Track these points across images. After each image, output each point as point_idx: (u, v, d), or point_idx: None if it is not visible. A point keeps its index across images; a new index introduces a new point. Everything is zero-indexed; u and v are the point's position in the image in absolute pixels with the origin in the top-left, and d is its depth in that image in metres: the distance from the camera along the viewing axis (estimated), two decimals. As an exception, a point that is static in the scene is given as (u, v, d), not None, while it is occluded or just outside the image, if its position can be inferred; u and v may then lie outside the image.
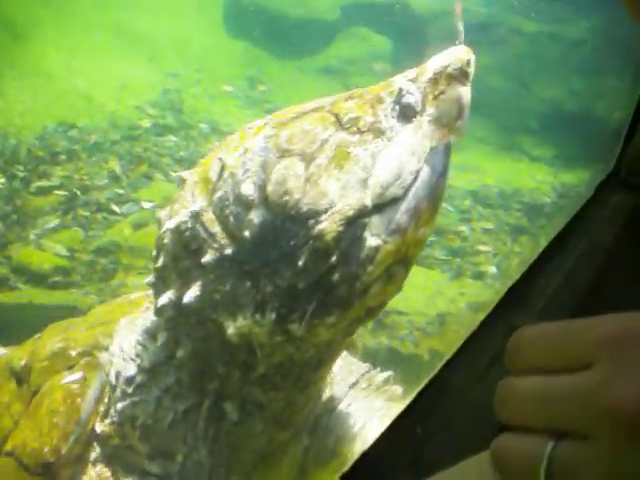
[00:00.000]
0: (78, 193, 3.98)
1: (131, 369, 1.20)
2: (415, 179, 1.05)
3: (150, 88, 5.99)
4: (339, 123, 1.09)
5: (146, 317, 1.25)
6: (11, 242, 3.58)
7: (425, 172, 1.05)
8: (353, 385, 1.45)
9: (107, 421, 1.19)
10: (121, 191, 4.06)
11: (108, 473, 1.18)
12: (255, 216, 1.05)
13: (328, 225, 1.02)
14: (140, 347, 1.21)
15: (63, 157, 4.46)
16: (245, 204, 1.07)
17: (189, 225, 1.11)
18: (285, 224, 1.04)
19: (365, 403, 1.42)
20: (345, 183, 1.04)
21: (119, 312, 1.35)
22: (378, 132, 1.08)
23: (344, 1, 7.45)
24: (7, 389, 1.26)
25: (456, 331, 3.02)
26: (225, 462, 1.21)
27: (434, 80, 1.10)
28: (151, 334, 1.21)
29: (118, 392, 1.19)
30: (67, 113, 5.45)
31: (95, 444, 1.20)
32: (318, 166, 1.05)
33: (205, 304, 1.10)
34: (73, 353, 1.24)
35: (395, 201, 1.04)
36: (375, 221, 1.03)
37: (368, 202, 1.03)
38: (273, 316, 1.05)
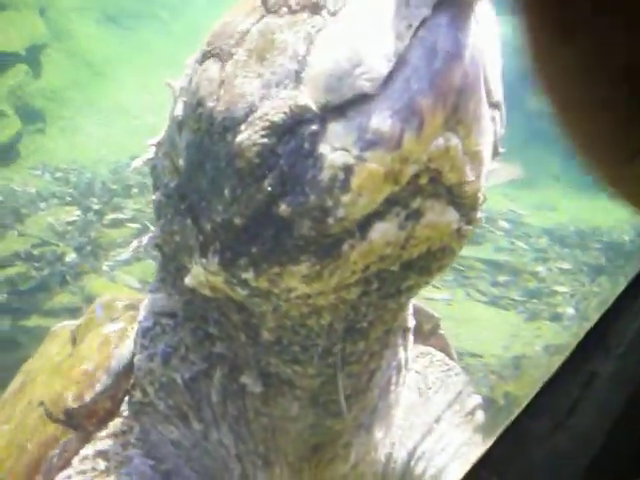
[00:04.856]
0: (150, 226, 4.04)
1: (149, 319, 1.08)
2: (398, 65, 0.72)
3: (220, 124, 6.11)
4: (265, 7, 0.83)
5: None
6: (85, 272, 3.66)
7: (417, 54, 0.72)
8: (450, 405, 1.27)
9: (133, 374, 1.09)
10: (191, 226, 4.11)
11: (129, 428, 1.06)
12: (183, 138, 0.88)
13: (247, 136, 0.78)
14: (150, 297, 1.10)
15: (135, 190, 4.57)
16: (177, 127, 0.90)
17: (153, 161, 1.00)
18: (204, 142, 0.84)
19: (457, 434, 1.26)
20: (268, 80, 0.78)
21: None
22: (316, 8, 0.78)
23: None
24: (63, 351, 1.23)
25: (532, 375, 2.91)
26: (261, 449, 1.05)
27: None
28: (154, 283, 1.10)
29: (138, 343, 1.09)
30: (140, 148, 5.59)
31: (125, 399, 1.09)
32: (235, 63, 0.82)
33: (171, 248, 0.96)
34: (120, 305, 1.19)
35: (366, 99, 0.73)
36: (335, 130, 0.74)
37: (305, 101, 0.75)
38: (217, 260, 0.85)
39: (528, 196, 5.05)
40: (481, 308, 3.49)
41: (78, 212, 4.26)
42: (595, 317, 1.03)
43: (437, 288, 3.55)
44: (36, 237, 3.94)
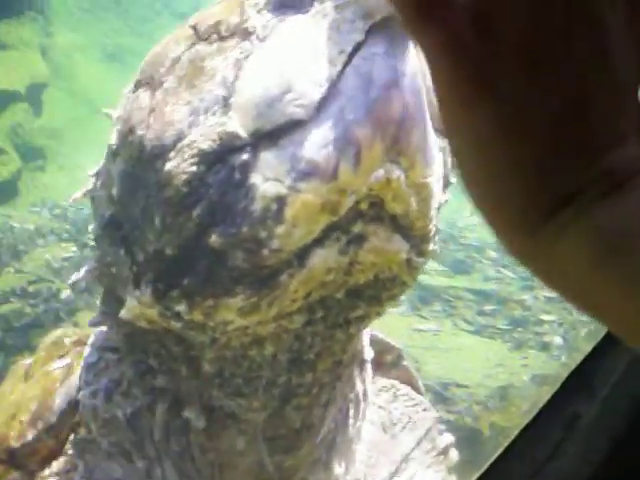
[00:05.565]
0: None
1: (93, 354, 1.07)
2: (332, 93, 0.70)
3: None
4: (197, 35, 0.82)
5: None
6: (79, 309, 3.70)
7: (352, 84, 0.69)
8: (419, 442, 1.23)
9: (78, 411, 1.07)
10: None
11: (73, 467, 1.04)
12: (116, 167, 0.86)
13: (176, 164, 0.76)
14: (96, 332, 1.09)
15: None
16: (112, 156, 0.88)
17: (92, 192, 0.98)
18: (136, 171, 0.82)
19: (429, 475, 1.22)
20: (196, 107, 0.77)
21: None
22: (245, 34, 0.77)
23: None
24: (15, 388, 1.21)
25: (518, 405, 2.92)
26: None
27: None
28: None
29: (82, 379, 1.06)
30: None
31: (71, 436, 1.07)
32: (165, 91, 0.81)
33: (109, 280, 0.94)
34: (67, 342, 1.18)
35: (298, 126, 0.71)
36: (267, 159, 0.72)
37: (234, 128, 0.73)
38: (149, 291, 0.82)
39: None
40: (467, 338, 3.51)
41: (74, 248, 4.31)
42: (584, 347, 1.01)
43: (425, 319, 3.58)
44: (32, 274, 4.00)
